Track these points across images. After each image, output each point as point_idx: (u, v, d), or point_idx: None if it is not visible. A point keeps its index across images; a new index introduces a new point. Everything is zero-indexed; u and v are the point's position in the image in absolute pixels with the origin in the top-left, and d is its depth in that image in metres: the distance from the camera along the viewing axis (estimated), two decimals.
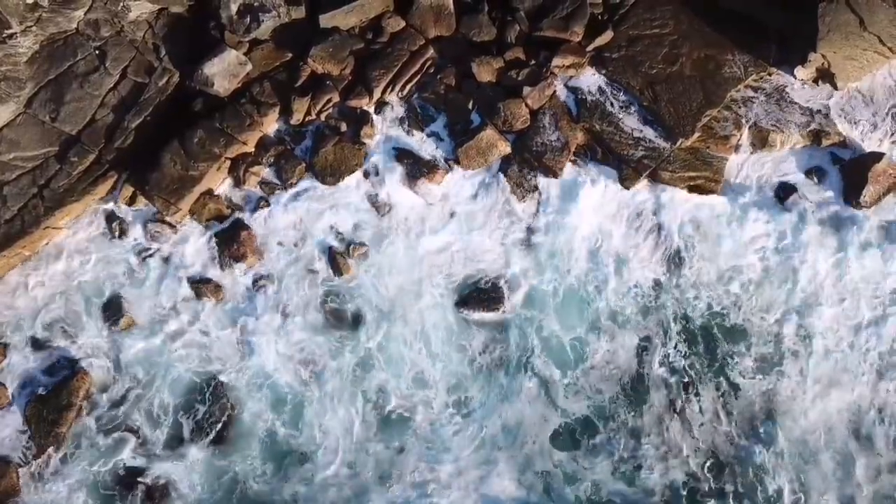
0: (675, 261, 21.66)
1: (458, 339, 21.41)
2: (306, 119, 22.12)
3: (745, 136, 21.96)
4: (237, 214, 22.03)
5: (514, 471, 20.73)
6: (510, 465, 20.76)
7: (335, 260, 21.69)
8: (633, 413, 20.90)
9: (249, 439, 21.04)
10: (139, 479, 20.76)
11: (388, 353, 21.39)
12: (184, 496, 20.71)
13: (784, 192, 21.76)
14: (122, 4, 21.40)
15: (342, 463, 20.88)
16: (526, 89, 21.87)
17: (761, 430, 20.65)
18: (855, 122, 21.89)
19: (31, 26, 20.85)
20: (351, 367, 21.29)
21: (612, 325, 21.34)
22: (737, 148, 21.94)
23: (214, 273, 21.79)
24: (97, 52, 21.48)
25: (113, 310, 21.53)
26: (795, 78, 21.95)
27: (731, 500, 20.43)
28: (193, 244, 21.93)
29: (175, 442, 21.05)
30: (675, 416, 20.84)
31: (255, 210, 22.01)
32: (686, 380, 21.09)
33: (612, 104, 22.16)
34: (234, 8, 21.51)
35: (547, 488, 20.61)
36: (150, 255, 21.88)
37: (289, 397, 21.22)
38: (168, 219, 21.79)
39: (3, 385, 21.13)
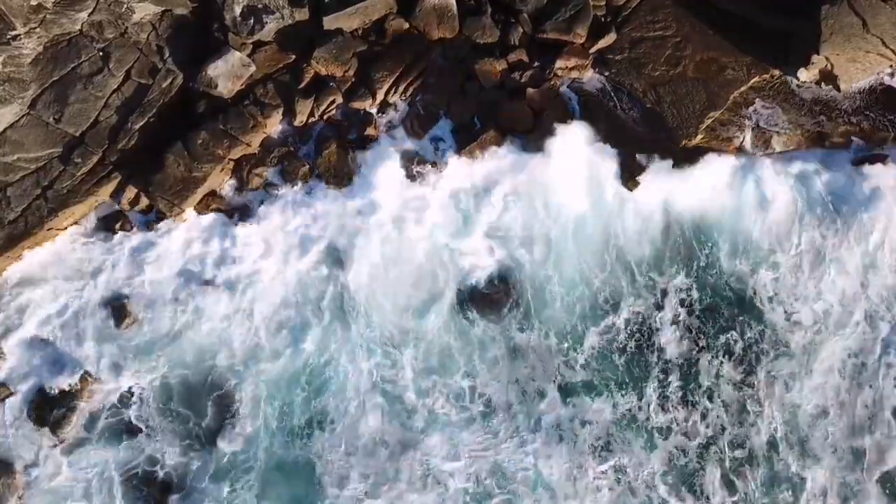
0: None
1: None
2: (309, 120, 22.15)
3: (747, 138, 22.00)
4: (240, 214, 22.03)
5: None
6: None
7: (337, 255, 21.78)
8: None
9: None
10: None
11: None
12: None
13: None
14: (125, 6, 21.42)
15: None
16: (529, 91, 21.92)
17: None
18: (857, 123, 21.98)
19: (35, 28, 20.87)
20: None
21: None
22: (740, 149, 22.01)
23: (218, 273, 21.81)
24: (101, 53, 21.49)
25: (116, 309, 21.50)
26: (798, 80, 21.97)
27: None
28: (196, 244, 21.91)
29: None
30: None
31: (258, 211, 22.02)
32: None
33: (615, 106, 22.19)
34: (237, 10, 21.55)
35: None
36: (152, 255, 21.84)
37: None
38: (171, 220, 21.78)
39: (6, 385, 21.13)
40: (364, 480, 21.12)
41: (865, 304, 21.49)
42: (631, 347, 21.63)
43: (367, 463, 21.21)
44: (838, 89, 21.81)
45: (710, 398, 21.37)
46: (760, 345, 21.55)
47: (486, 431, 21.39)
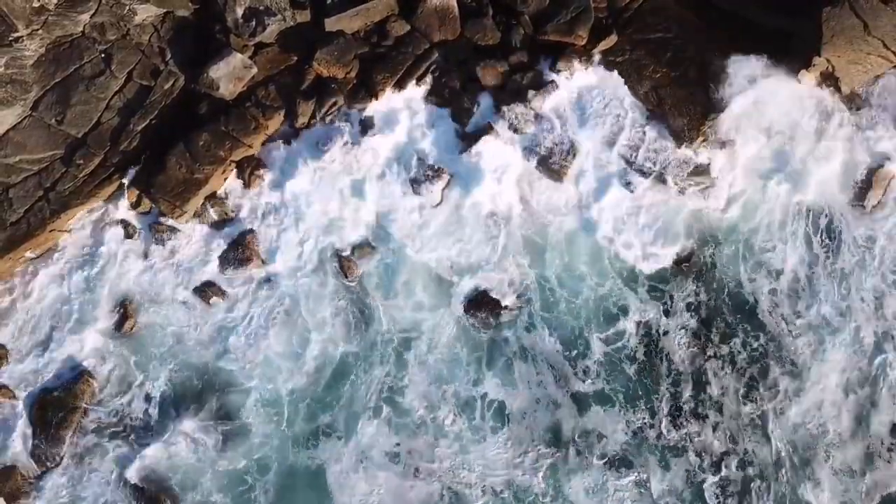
0: None
1: None
2: (311, 122, 22.17)
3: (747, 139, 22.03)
4: (242, 217, 22.06)
5: None
6: None
7: (341, 261, 21.78)
8: None
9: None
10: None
11: None
12: None
13: None
14: (127, 8, 21.45)
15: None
16: (531, 93, 21.94)
17: None
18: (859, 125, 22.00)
19: (37, 29, 20.90)
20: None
21: None
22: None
23: (218, 276, 21.83)
24: (103, 55, 21.54)
25: (117, 312, 21.54)
26: (799, 81, 21.94)
27: None
28: (198, 247, 21.94)
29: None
30: None
31: (260, 212, 22.04)
32: None
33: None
34: (239, 11, 21.57)
35: None
36: (155, 258, 21.85)
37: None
38: (173, 221, 21.80)
39: (7, 387, 21.15)
40: (375, 489, 21.09)
41: None
42: None
43: (376, 473, 21.14)
44: (840, 91, 21.82)
45: None
46: None
47: (499, 444, 21.29)
